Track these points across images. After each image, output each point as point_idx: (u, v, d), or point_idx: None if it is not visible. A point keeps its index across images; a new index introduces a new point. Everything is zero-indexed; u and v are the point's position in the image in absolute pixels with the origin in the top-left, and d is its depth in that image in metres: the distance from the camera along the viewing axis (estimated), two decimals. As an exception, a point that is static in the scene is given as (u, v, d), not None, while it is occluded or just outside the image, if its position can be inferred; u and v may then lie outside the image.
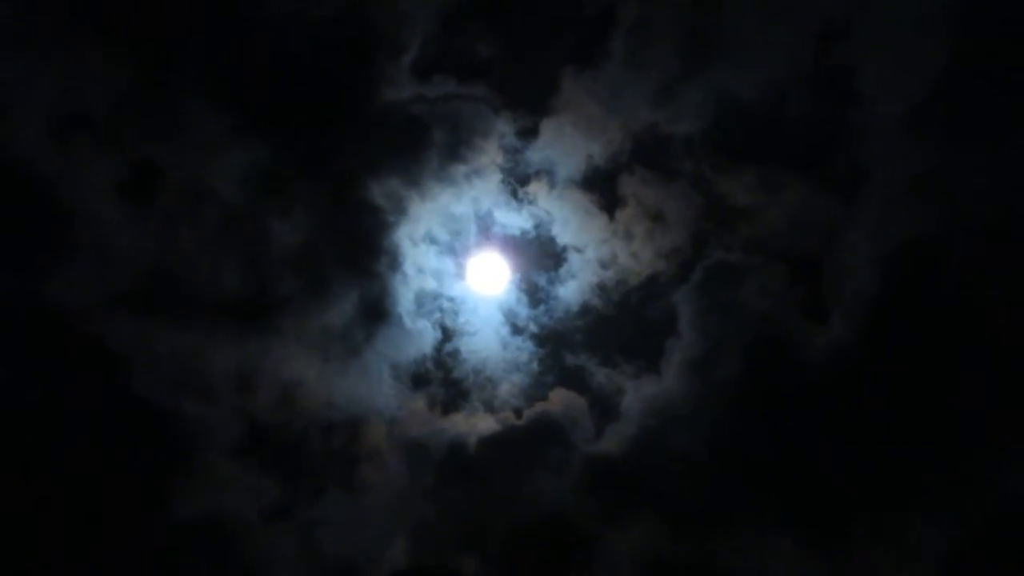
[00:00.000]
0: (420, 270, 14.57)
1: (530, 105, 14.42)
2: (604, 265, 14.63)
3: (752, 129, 14.15)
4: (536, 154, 14.53)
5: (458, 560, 13.71)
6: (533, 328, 14.76)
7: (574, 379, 14.56)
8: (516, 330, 14.74)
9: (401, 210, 14.23)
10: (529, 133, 14.54)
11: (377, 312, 14.15)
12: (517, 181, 14.71)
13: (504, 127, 14.45)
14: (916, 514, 13.15)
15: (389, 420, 14.22)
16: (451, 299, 14.82)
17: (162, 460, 13.41)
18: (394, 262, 14.27)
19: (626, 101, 14.22)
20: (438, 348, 14.62)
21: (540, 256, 14.92)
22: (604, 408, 14.36)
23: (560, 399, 14.48)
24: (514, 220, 14.86)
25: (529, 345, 14.71)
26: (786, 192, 14.15)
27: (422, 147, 14.16)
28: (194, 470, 13.50)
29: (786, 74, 13.84)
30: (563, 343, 14.70)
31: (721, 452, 13.84)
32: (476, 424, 14.41)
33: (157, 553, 13.28)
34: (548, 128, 14.39)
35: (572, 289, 14.71)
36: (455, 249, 14.76)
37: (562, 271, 14.72)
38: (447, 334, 14.72)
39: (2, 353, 13.65)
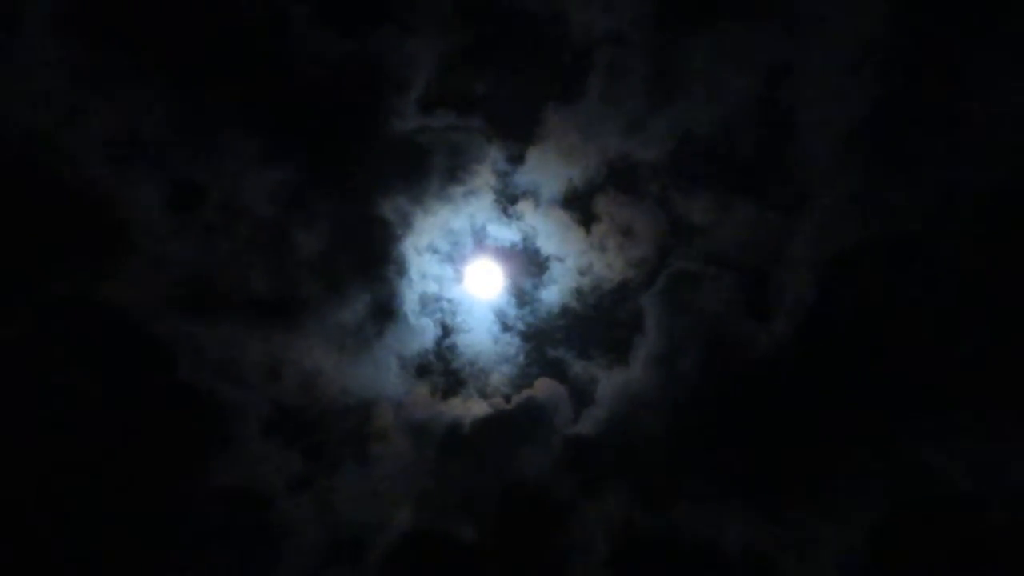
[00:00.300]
0: (423, 276, 15.79)
1: (518, 135, 15.65)
2: (582, 272, 15.86)
3: (708, 157, 15.46)
4: (523, 177, 15.78)
5: (455, 524, 14.77)
6: (520, 326, 15.96)
7: (555, 370, 15.78)
8: (505, 328, 15.94)
9: (407, 224, 15.44)
10: (517, 159, 15.76)
11: (386, 311, 15.35)
12: (507, 200, 15.95)
13: (496, 154, 15.67)
14: (849, 488, 14.29)
15: (396, 404, 15.35)
16: (450, 301, 16.01)
17: (202, 436, 14.57)
18: (401, 269, 15.49)
19: (601, 132, 15.49)
20: (438, 343, 15.85)
21: (527, 264, 16.08)
22: (581, 395, 15.57)
23: (543, 387, 15.53)
24: (504, 234, 16.09)
25: (517, 340, 15.95)
26: (737, 211, 15.41)
27: (425, 170, 15.36)
28: (229, 445, 14.66)
29: (737, 110, 15.16)
30: (546, 339, 15.92)
31: (681, 432, 14.94)
32: (471, 408, 15.50)
33: (197, 515, 14.43)
34: (533, 155, 15.63)
35: (554, 293, 15.90)
36: (453, 258, 15.99)
37: (545, 277, 15.91)
38: (446, 331, 15.93)
39: (67, 345, 14.12)
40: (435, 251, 16.01)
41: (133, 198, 14.46)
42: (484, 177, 15.79)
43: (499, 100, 15.64)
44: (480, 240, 16.29)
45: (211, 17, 14.10)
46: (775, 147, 15.25)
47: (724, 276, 15.26)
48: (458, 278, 16.12)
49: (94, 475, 14.01)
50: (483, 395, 15.84)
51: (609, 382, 15.52)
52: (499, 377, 16.02)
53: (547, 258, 16.10)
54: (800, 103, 15.10)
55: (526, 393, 15.56)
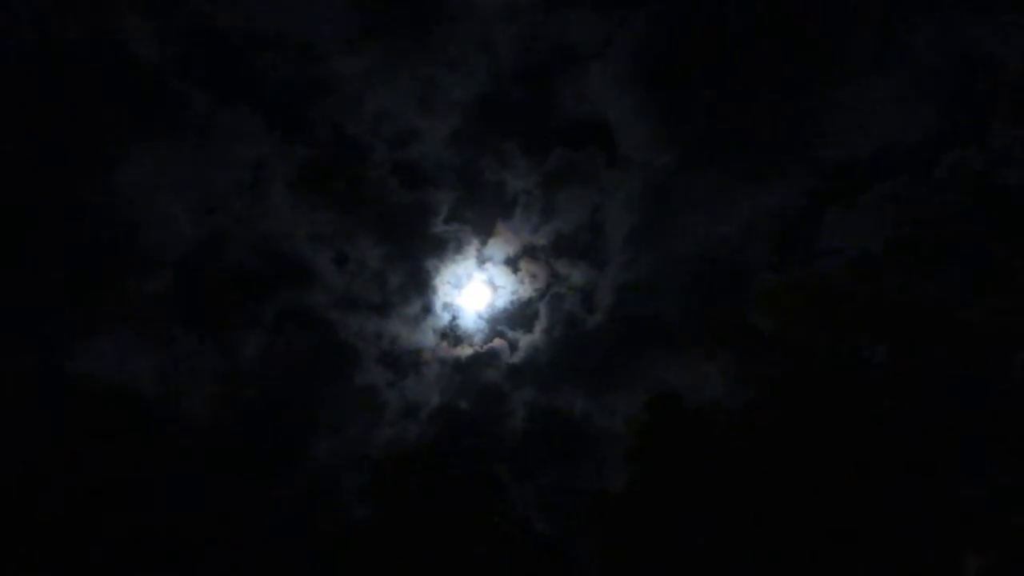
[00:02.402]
0: (445, 294, 20.24)
1: (485, 233, 19.67)
2: (513, 293, 20.20)
3: (568, 245, 19.91)
4: (488, 251, 19.92)
5: (459, 400, 19.73)
6: (486, 316, 20.30)
7: (502, 335, 20.17)
8: (480, 317, 20.24)
9: (437, 272, 20.00)
10: (484, 244, 19.80)
11: (429, 310, 20.11)
12: (481, 261, 20.06)
13: (477, 242, 19.87)
14: (626, 387, 19.07)
15: (432, 349, 20.05)
16: (456, 305, 20.33)
17: (349, 363, 19.53)
18: (435, 291, 20.17)
19: (520, 232, 19.64)
20: (450, 323, 20.28)
21: (491, 291, 20.38)
22: (512, 346, 20.21)
23: (497, 342, 20.33)
24: (480, 276, 20.29)
25: (486, 324, 20.33)
26: (580, 268, 20.02)
27: (447, 249, 19.77)
28: (361, 367, 19.71)
29: (579, 225, 19.54)
30: (497, 321, 20.31)
31: (556, 363, 19.95)
32: (465, 351, 20.27)
33: (351, 397, 19.40)
34: (492, 243, 19.86)
35: (501, 302, 20.28)
36: (458, 287, 20.30)
37: (497, 295, 20.22)
38: (454, 318, 20.28)
39: (288, 327, 19.19)
40: (449, 283, 20.21)
41: (319, 260, 19.53)
42: (471, 252, 20.04)
43: (478, 220, 19.75)
44: (469, 279, 20.31)
45: (352, 193, 19.03)
46: (595, 241, 19.63)
47: (574, 295, 19.96)
48: (459, 295, 20.25)
49: (298, 383, 19.00)
50: (471, 345, 20.22)
51: (524, 340, 20.21)
52: (478, 338, 20.35)
53: (498, 287, 20.25)
54: (605, 225, 19.37)
55: (489, 345, 20.20)
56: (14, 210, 18.39)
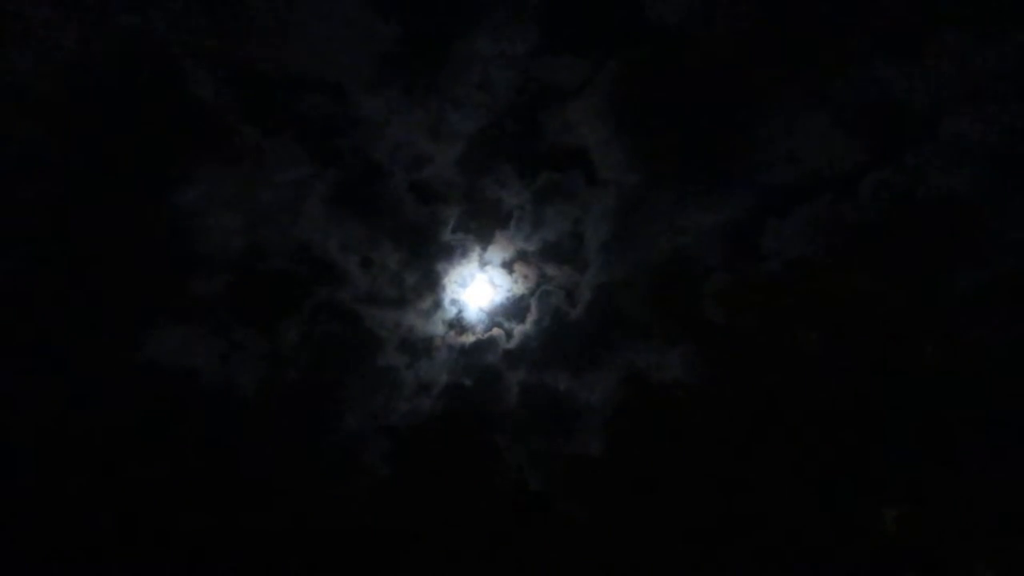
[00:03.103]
0: (452, 293, 21.28)
1: (485, 240, 20.82)
2: (508, 291, 21.44)
3: (553, 252, 20.84)
4: (488, 256, 21.01)
5: (463, 378, 20.66)
6: (486, 310, 21.48)
7: (499, 326, 21.28)
8: (481, 311, 21.50)
9: (446, 274, 20.92)
10: (485, 250, 20.93)
11: (438, 305, 21.11)
12: (482, 264, 21.18)
13: (479, 247, 20.94)
14: (607, 367, 20.16)
15: (442, 337, 21.09)
16: (462, 302, 21.39)
17: (374, 350, 20.42)
18: (444, 290, 21.11)
19: (515, 240, 20.82)
20: (456, 316, 21.37)
21: (491, 289, 21.44)
22: (508, 334, 21.26)
23: (495, 332, 21.25)
24: (481, 276, 21.37)
25: (485, 315, 21.49)
26: (563, 270, 20.93)
27: (454, 254, 20.77)
28: (383, 351, 20.49)
29: (562, 233, 20.51)
30: (496, 315, 21.43)
31: (544, 347, 20.87)
32: (469, 338, 21.17)
33: (375, 380, 20.26)
34: (492, 248, 20.91)
35: (499, 298, 21.47)
36: (463, 286, 21.34)
37: (496, 292, 21.43)
38: (459, 312, 21.36)
39: (322, 319, 20.03)
40: (455, 283, 21.34)
41: (348, 264, 20.33)
42: (474, 256, 21.08)
43: (480, 230, 20.92)
44: (472, 279, 21.34)
45: (375, 208, 19.79)
46: (576, 248, 20.77)
47: (559, 292, 21.12)
48: (464, 292, 21.24)
49: (331, 365, 19.94)
50: (473, 334, 21.30)
51: (517, 330, 21.31)
52: (479, 328, 21.44)
53: (497, 286, 21.37)
54: (585, 235, 20.34)
55: (489, 333, 21.23)
56: (97, 225, 20.65)
